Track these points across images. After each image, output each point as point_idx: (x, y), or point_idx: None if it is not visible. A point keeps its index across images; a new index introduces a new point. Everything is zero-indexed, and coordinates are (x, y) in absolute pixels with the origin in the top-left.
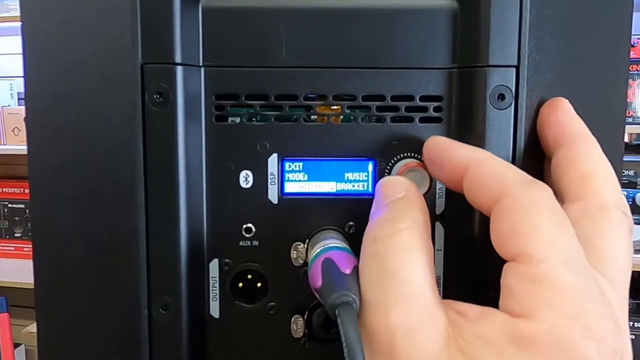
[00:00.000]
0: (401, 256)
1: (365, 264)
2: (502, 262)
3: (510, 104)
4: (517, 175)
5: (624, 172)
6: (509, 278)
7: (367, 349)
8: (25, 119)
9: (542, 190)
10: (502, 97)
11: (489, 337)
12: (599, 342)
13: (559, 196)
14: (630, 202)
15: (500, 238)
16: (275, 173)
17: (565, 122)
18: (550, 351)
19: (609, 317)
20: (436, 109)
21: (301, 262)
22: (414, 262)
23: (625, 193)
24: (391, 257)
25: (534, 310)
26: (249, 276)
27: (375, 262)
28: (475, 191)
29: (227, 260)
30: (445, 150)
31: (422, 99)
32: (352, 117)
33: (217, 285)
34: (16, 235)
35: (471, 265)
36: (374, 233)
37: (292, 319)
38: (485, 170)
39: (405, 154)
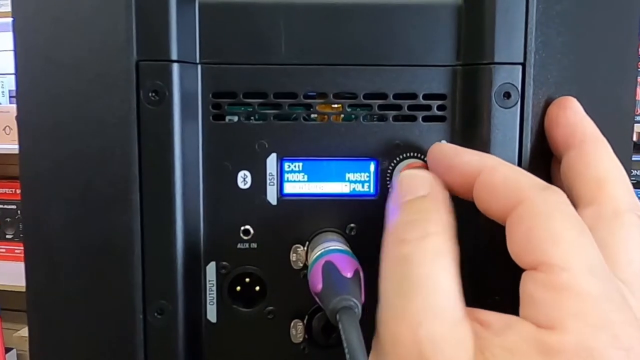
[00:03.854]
0: (430, 263)
1: (388, 267)
2: (508, 265)
3: (516, 103)
4: (532, 181)
5: (632, 172)
6: (531, 287)
7: (388, 357)
8: (17, 118)
9: (558, 195)
10: (507, 95)
11: (515, 349)
12: (627, 351)
13: (570, 199)
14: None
15: (519, 246)
16: (274, 173)
17: (575, 122)
18: None
19: (634, 325)
20: (440, 108)
21: (301, 265)
22: (443, 270)
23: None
24: (419, 263)
25: (560, 321)
26: (247, 279)
27: (400, 266)
28: (488, 198)
29: (224, 263)
30: (453, 157)
31: (426, 97)
32: (353, 116)
33: (214, 288)
34: (7, 236)
35: (476, 269)
36: (398, 235)
37: (292, 324)
38: (498, 176)
39: (408, 154)
